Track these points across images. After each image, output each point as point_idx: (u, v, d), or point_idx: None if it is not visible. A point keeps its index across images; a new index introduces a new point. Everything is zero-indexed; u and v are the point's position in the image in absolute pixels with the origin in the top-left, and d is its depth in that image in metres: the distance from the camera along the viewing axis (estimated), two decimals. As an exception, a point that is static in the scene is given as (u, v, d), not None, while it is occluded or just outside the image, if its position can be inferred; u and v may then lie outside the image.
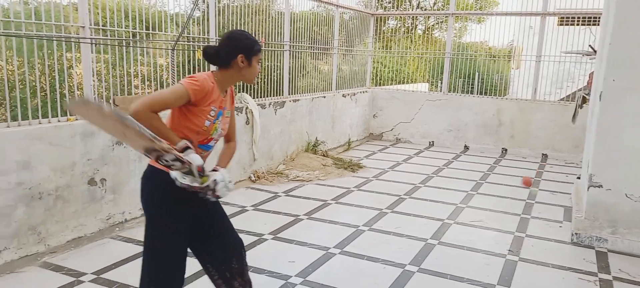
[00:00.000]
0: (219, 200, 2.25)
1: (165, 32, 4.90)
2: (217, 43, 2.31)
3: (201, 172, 2.08)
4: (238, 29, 2.63)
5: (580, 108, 6.12)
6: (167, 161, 2.00)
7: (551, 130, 8.03)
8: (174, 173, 2.06)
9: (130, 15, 4.37)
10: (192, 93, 2.12)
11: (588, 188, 4.19)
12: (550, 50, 8.11)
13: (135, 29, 4.46)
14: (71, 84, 4.12)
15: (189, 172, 2.06)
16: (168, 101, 2.10)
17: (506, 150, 8.41)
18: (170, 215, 2.23)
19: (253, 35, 2.36)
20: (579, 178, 5.87)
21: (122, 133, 1.90)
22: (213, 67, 2.33)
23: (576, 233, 4.27)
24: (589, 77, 5.78)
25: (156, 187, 2.20)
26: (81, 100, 1.96)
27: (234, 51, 2.23)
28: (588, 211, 4.21)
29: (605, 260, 3.97)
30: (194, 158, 2.07)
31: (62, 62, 4.26)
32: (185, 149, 2.08)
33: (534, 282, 3.55)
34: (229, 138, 2.49)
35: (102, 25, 4.40)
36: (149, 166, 2.24)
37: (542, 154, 8.13)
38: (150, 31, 4.78)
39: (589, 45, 6.07)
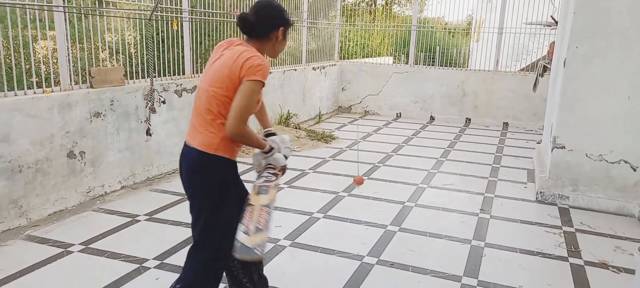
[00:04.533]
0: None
1: (134, 1, 4.79)
2: (252, 11, 2.16)
3: (283, 171, 2.30)
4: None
5: (541, 77, 6.46)
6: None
7: (512, 100, 8.43)
8: (266, 173, 2.27)
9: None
10: (265, 80, 2.06)
11: (552, 149, 4.50)
12: (511, 23, 8.45)
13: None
14: (46, 56, 4.01)
15: (274, 173, 2.25)
16: (253, 104, 2.05)
17: (470, 120, 8.77)
18: (235, 199, 2.23)
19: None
20: (539, 143, 6.25)
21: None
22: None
23: (540, 192, 4.59)
24: (550, 47, 6.10)
25: (221, 174, 2.15)
26: (258, 255, 2.06)
27: (277, 23, 2.16)
28: (551, 171, 4.52)
29: (568, 215, 4.31)
30: (278, 159, 2.25)
31: (28, 33, 4.11)
32: (270, 150, 2.23)
33: (505, 235, 3.82)
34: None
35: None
36: (202, 153, 2.12)
37: (504, 123, 8.53)
38: (118, 1, 4.66)
39: (551, 16, 6.38)
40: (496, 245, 3.64)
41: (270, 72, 2.15)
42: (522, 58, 11.12)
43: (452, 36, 11.39)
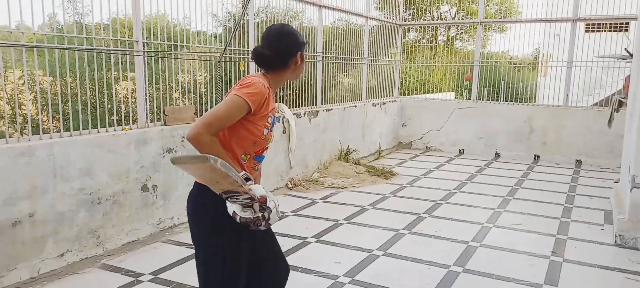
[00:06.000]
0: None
1: (204, 45, 5.11)
2: (266, 44, 2.06)
3: (263, 204, 1.87)
4: (277, 23, 2.41)
5: (616, 112, 6.10)
6: (237, 199, 1.83)
7: (585, 136, 7.98)
8: (232, 207, 1.86)
9: (166, 32, 4.58)
10: (251, 102, 1.90)
11: (631, 189, 4.20)
12: (582, 56, 8.09)
13: (176, 42, 4.65)
14: (126, 96, 4.34)
15: (250, 206, 1.86)
16: (227, 118, 1.88)
17: (538, 157, 8.38)
18: (233, 243, 2.00)
19: None
20: (617, 182, 5.84)
21: (215, 181, 1.76)
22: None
23: (620, 235, 4.27)
24: (625, 81, 5.77)
25: (216, 213, 1.95)
26: (196, 156, 1.69)
27: (293, 50, 2.06)
28: (631, 212, 4.21)
29: (652, 260, 3.96)
30: (257, 189, 1.88)
31: (110, 76, 4.48)
32: (246, 180, 1.87)
33: (580, 281, 3.57)
34: None
35: (146, 40, 4.62)
36: (200, 188, 1.97)
37: (576, 160, 8.07)
38: (188, 44, 4.98)
39: (625, 49, 6.06)
40: (570, 291, 3.41)
41: (274, 109, 2.02)
42: (595, 92, 10.55)
43: (518, 71, 11.06)
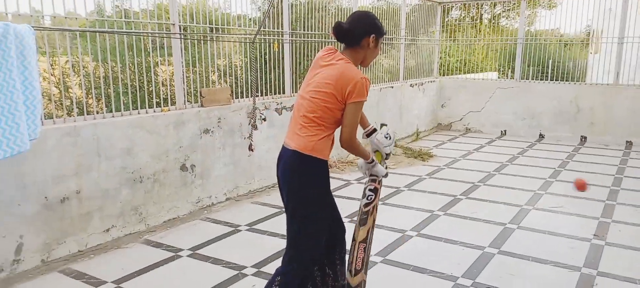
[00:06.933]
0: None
1: (240, 27, 5.19)
2: (347, 21, 2.34)
3: (385, 176, 2.53)
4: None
5: (671, 89, 5.73)
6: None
7: (636, 116, 7.56)
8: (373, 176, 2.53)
9: (205, 16, 4.67)
10: (367, 96, 2.28)
11: (683, 170, 3.96)
12: (633, 32, 7.63)
13: (213, 24, 4.74)
14: (165, 79, 4.49)
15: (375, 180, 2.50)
16: (359, 117, 2.32)
17: (586, 138, 8.02)
18: (325, 198, 2.40)
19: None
20: (670, 164, 5.52)
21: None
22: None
23: (669, 219, 4.05)
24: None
25: (316, 171, 2.29)
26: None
27: (368, 29, 2.30)
28: (683, 195, 3.97)
29: None
30: (379, 171, 2.48)
31: (150, 60, 4.63)
32: (372, 161, 2.45)
33: (622, 265, 3.43)
34: None
35: (182, 23, 4.74)
36: (300, 154, 2.27)
37: (627, 142, 7.67)
38: (227, 27, 5.06)
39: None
40: (611, 274, 3.28)
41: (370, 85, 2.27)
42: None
43: (568, 49, 10.55)
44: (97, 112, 3.87)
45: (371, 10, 7.26)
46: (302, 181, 2.30)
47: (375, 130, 2.57)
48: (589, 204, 4.78)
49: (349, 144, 2.28)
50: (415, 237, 3.98)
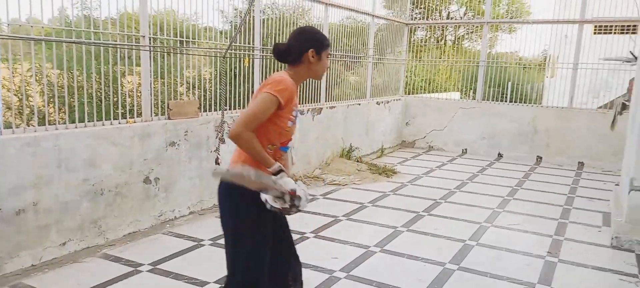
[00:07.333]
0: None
1: (210, 41, 5.18)
2: (287, 40, 2.31)
3: (293, 196, 2.07)
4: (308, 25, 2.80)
5: (620, 115, 6.09)
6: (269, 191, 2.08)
7: (589, 138, 7.96)
8: (265, 196, 2.09)
9: (175, 28, 4.65)
10: (282, 98, 2.12)
11: (629, 191, 4.21)
12: (587, 58, 8.07)
13: (183, 38, 4.71)
14: (131, 90, 4.43)
15: (281, 197, 2.08)
16: (262, 114, 2.10)
17: (541, 158, 8.38)
18: (259, 223, 2.22)
19: None
20: (617, 185, 5.84)
21: (251, 186, 2.07)
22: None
23: (616, 237, 4.29)
24: (629, 84, 5.76)
25: (243, 197, 2.16)
26: (236, 173, 2.07)
27: (305, 45, 2.23)
28: (629, 215, 4.22)
29: (647, 263, 3.98)
30: (287, 182, 2.09)
31: (116, 69, 4.56)
32: (278, 172, 2.11)
33: (574, 282, 3.60)
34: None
35: (152, 35, 4.70)
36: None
37: (579, 162, 8.06)
38: (196, 39, 5.04)
39: (630, 52, 6.05)
40: (563, 291, 3.44)
41: (297, 103, 2.23)
42: (602, 95, 10.50)
43: (526, 72, 11.02)
44: (60, 122, 3.77)
45: (341, 27, 7.42)
46: (230, 200, 2.25)
47: (281, 170, 2.14)
48: (543, 222, 4.99)
49: (236, 132, 2.05)
50: (379, 252, 4.05)
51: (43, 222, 3.54)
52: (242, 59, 5.39)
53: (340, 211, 5.14)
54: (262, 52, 5.61)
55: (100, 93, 4.19)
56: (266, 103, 2.10)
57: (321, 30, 2.35)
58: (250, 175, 2.02)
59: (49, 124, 3.70)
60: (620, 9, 8.21)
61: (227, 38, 5.46)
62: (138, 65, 4.39)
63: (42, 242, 3.56)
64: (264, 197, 2.10)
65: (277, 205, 2.09)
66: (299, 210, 2.13)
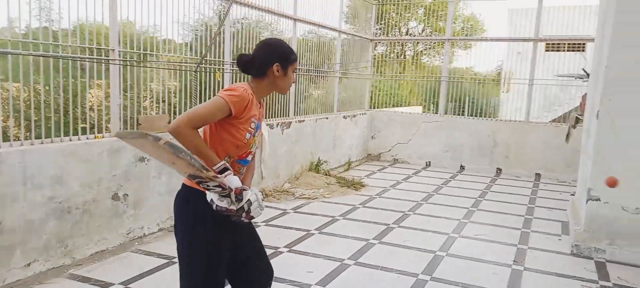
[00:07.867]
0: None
1: (175, 54, 5.12)
2: (250, 53, 2.24)
3: (239, 195, 1.99)
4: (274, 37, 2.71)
5: (574, 128, 6.44)
6: (207, 185, 1.97)
7: (544, 151, 8.36)
8: (211, 196, 2.00)
9: (139, 41, 4.58)
10: (232, 105, 2.03)
11: (586, 201, 4.46)
12: (541, 74, 8.50)
13: (146, 51, 4.61)
14: (97, 104, 4.31)
15: (227, 195, 1.99)
16: (208, 115, 2.02)
17: (501, 170, 8.71)
18: (212, 237, 2.12)
19: None
20: (573, 195, 6.16)
21: (171, 162, 1.92)
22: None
23: (576, 245, 4.52)
24: (582, 99, 6.12)
25: (196, 208, 2.10)
26: (137, 132, 1.95)
27: (270, 59, 2.16)
28: (587, 224, 4.46)
29: (604, 269, 4.21)
30: (232, 180, 1.99)
31: (83, 82, 4.42)
32: (223, 171, 2.00)
33: (540, 289, 3.77)
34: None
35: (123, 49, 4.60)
36: (186, 187, 2.14)
37: (536, 174, 8.43)
38: (162, 53, 4.96)
39: (583, 69, 6.43)
40: (530, 298, 3.59)
41: (258, 116, 2.20)
42: (554, 109, 11.06)
43: (482, 86, 11.48)
44: (26, 138, 3.62)
45: (304, 42, 7.50)
46: (181, 216, 2.17)
47: (226, 169, 2.03)
48: (507, 232, 5.19)
49: (176, 125, 1.96)
50: (353, 265, 4.09)
51: (7, 243, 3.38)
52: (212, 73, 5.36)
53: (312, 225, 5.16)
54: (232, 67, 5.60)
55: (68, 107, 4.05)
56: (215, 105, 2.02)
57: (289, 44, 2.24)
58: (158, 141, 1.78)
59: (15, 140, 3.54)
60: (570, 28, 8.73)
61: (191, 50, 5.39)
62: (100, 78, 4.26)
63: (5, 263, 3.39)
64: (209, 196, 2.01)
65: (224, 204, 1.98)
66: (252, 217, 2.04)
